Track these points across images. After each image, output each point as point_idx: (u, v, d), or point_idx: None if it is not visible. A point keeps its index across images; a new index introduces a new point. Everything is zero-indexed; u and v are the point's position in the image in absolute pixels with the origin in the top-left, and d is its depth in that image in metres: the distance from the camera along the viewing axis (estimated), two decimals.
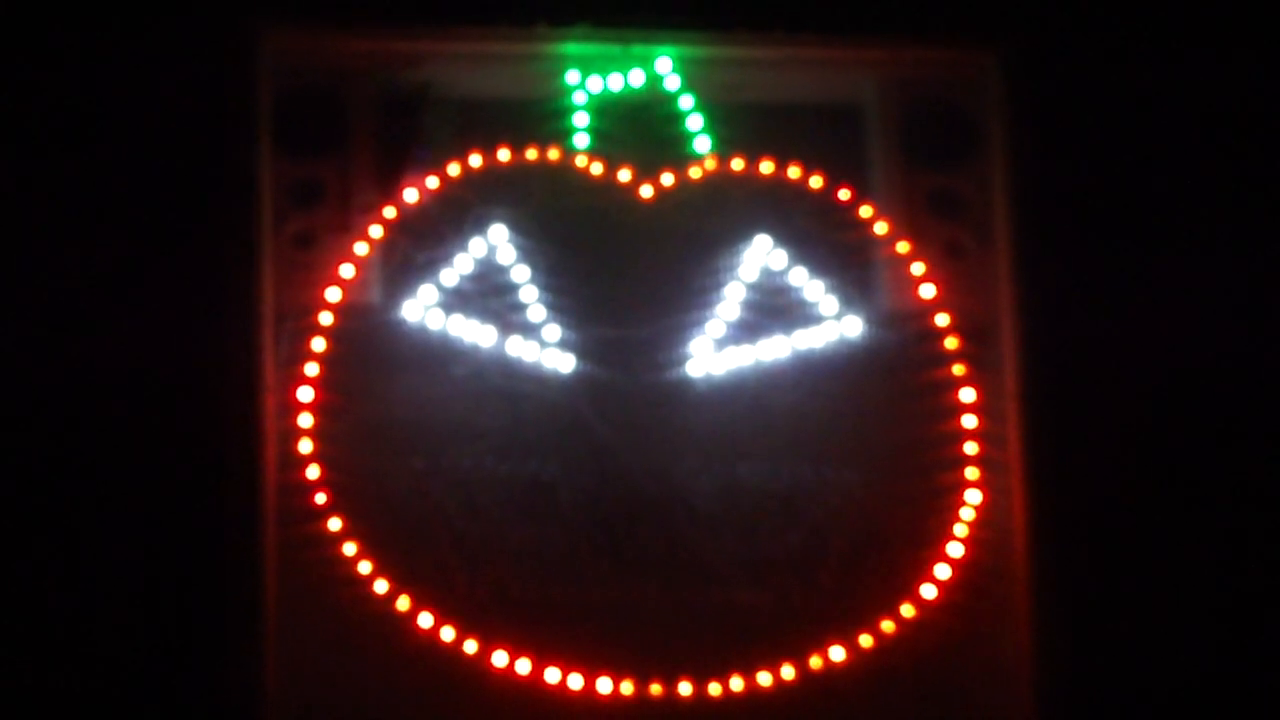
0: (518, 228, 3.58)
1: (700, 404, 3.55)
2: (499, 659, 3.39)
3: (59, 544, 3.31)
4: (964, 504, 3.52)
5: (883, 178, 3.66)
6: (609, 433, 3.52)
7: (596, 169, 3.63)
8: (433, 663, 3.39)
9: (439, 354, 3.52)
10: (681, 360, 3.56)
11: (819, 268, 3.62)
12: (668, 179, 3.63)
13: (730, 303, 3.59)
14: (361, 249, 3.53)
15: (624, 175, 3.63)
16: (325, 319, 3.50)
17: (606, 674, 3.41)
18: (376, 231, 3.55)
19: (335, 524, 3.42)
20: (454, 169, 3.60)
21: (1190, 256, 3.59)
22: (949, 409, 3.56)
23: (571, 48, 3.65)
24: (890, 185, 3.66)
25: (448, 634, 3.40)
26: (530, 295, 3.56)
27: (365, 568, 3.41)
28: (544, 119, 3.64)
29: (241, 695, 3.29)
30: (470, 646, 3.40)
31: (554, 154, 3.63)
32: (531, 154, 3.62)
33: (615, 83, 3.67)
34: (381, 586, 3.41)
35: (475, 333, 3.53)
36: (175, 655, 3.29)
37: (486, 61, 3.65)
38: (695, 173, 3.64)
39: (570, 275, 3.58)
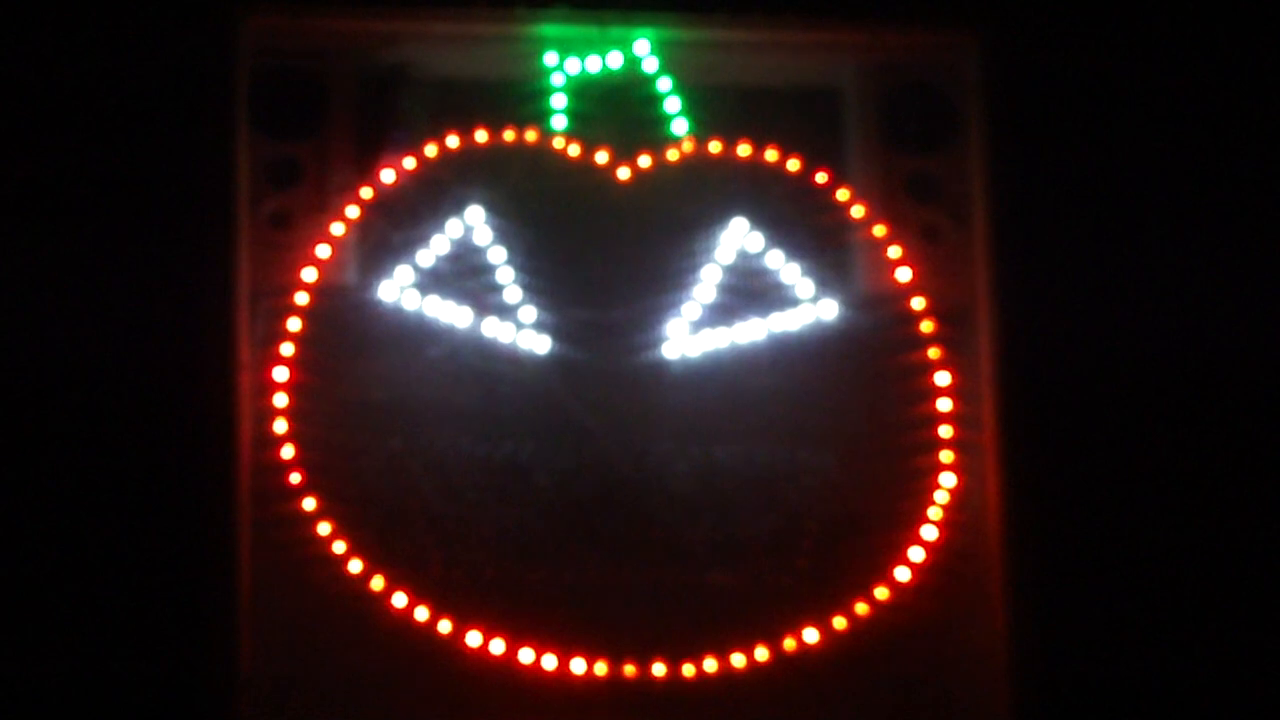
0: (494, 209, 3.58)
1: (676, 386, 3.55)
2: (473, 639, 3.40)
3: (30, 523, 3.32)
4: (938, 487, 3.52)
5: (860, 161, 3.66)
6: (584, 414, 3.52)
7: (574, 151, 3.63)
8: (406, 643, 3.39)
9: (415, 335, 3.52)
10: (657, 342, 3.57)
11: (796, 250, 3.62)
12: (645, 161, 3.63)
13: (707, 285, 3.59)
14: (338, 229, 3.53)
15: (601, 157, 3.62)
16: (301, 299, 3.50)
17: (580, 654, 3.41)
18: (353, 212, 3.55)
19: (310, 504, 3.42)
20: (431, 150, 3.60)
21: (1167, 241, 3.59)
22: (924, 392, 3.56)
23: (549, 29, 3.64)
24: (868, 168, 3.65)
25: (421, 614, 3.40)
26: (506, 276, 3.56)
27: (339, 548, 3.41)
28: (522, 100, 3.64)
29: (215, 674, 3.30)
30: (444, 626, 3.40)
31: (531, 135, 3.62)
32: (509, 135, 3.62)
33: (593, 64, 3.66)
34: (356, 566, 3.41)
35: (451, 314, 3.53)
36: (149, 634, 3.30)
37: (464, 42, 3.64)
38: (673, 155, 3.64)
39: (547, 257, 3.58)
